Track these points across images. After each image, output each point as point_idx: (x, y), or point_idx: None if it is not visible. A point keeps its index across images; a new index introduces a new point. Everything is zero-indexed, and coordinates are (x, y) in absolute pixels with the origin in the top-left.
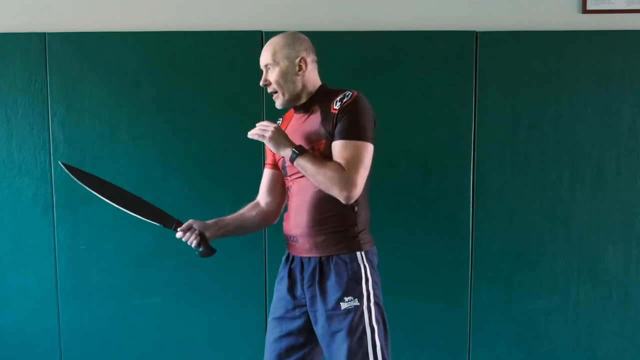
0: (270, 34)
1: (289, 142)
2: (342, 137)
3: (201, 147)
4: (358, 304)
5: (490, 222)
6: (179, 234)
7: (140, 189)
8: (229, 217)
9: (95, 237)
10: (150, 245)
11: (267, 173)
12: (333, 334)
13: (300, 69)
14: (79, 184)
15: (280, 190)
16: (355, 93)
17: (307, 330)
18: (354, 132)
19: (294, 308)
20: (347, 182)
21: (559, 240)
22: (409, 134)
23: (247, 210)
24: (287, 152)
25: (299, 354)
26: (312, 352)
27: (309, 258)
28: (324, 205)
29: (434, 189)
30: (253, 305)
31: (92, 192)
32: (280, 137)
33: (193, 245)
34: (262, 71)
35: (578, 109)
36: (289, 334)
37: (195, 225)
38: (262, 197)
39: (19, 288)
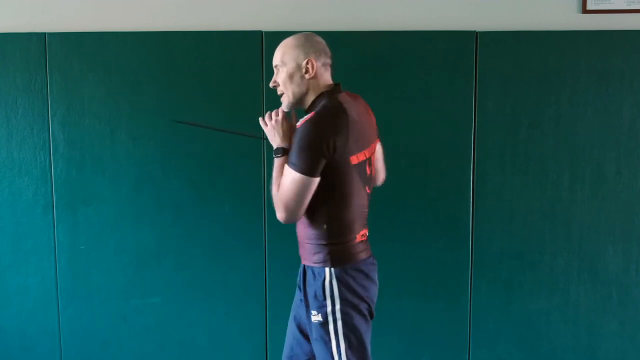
0: (270, 34)
1: (281, 139)
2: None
3: (201, 147)
4: (321, 319)
5: (490, 222)
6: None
7: (140, 189)
8: None
9: (95, 237)
10: (150, 245)
11: None
12: (312, 343)
13: (306, 71)
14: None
15: None
16: (311, 115)
17: None
18: (291, 159)
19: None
20: (276, 205)
21: (559, 240)
22: (409, 134)
23: None
24: (274, 147)
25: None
26: None
27: (301, 264)
28: (303, 219)
29: (434, 189)
30: (253, 305)
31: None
32: (276, 130)
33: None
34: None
35: (578, 109)
36: (304, 331)
37: None
38: None
39: (19, 288)
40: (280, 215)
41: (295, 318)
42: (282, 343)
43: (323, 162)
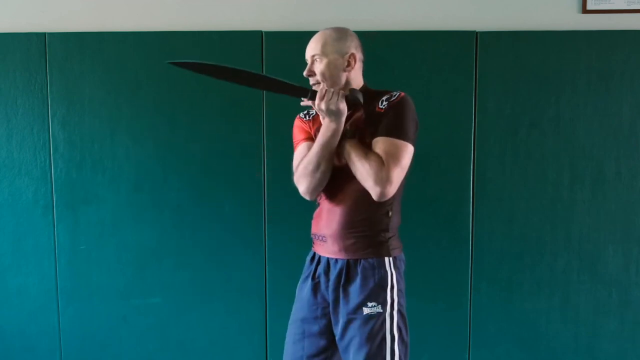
0: (270, 34)
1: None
2: (384, 134)
3: (201, 147)
4: (381, 310)
5: (490, 222)
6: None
7: (140, 188)
8: None
9: (95, 237)
10: (150, 245)
11: (306, 147)
12: (352, 338)
13: (348, 64)
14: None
15: None
16: (403, 94)
17: (328, 332)
18: (396, 131)
19: (317, 309)
20: (383, 177)
21: (559, 240)
22: None
23: None
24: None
25: (320, 358)
26: (333, 356)
27: (336, 260)
28: (358, 208)
29: (434, 189)
30: (253, 305)
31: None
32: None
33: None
34: (305, 64)
35: (578, 109)
36: (311, 335)
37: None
38: None
39: (19, 288)
40: (385, 188)
41: (304, 338)
42: (282, 343)
43: None
